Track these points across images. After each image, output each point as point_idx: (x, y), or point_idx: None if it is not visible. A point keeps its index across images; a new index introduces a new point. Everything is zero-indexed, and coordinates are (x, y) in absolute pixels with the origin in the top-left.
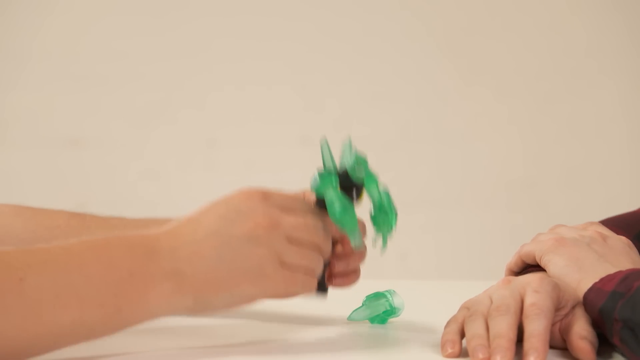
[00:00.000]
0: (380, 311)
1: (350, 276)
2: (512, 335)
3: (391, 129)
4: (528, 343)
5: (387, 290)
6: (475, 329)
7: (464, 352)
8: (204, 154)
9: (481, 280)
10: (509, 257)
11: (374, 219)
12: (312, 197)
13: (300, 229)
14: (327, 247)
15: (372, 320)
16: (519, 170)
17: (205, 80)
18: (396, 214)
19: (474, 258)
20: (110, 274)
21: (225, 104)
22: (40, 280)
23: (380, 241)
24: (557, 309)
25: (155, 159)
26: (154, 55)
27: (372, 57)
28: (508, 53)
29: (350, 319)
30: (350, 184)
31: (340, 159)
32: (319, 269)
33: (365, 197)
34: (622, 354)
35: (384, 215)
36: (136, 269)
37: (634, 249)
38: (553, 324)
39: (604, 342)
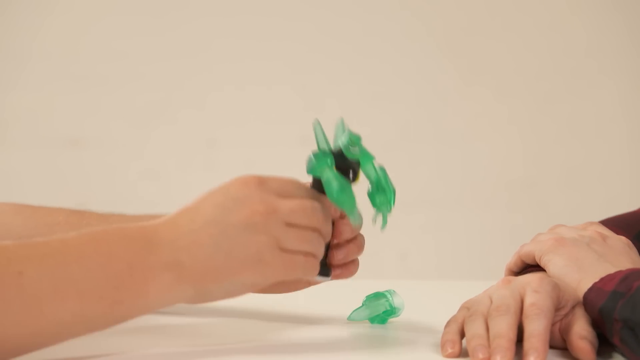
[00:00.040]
0: (380, 311)
1: (350, 267)
2: (512, 335)
3: (391, 129)
4: (528, 343)
5: (387, 290)
6: (475, 329)
7: (464, 352)
8: (204, 154)
9: (481, 280)
10: (509, 257)
11: (372, 197)
12: (309, 180)
13: (298, 212)
14: (327, 229)
15: (372, 320)
16: (519, 170)
17: (205, 80)
18: (394, 191)
19: (474, 258)
20: (109, 266)
21: (225, 104)
22: (39, 273)
23: (380, 220)
24: (557, 309)
25: (155, 159)
26: (154, 55)
27: (372, 57)
28: (508, 53)
29: (350, 319)
30: (345, 163)
31: (334, 139)
32: (320, 250)
33: (361, 177)
34: (622, 354)
35: (382, 193)
36: (135, 261)
37: (634, 249)
38: (553, 324)
39: (604, 342)
